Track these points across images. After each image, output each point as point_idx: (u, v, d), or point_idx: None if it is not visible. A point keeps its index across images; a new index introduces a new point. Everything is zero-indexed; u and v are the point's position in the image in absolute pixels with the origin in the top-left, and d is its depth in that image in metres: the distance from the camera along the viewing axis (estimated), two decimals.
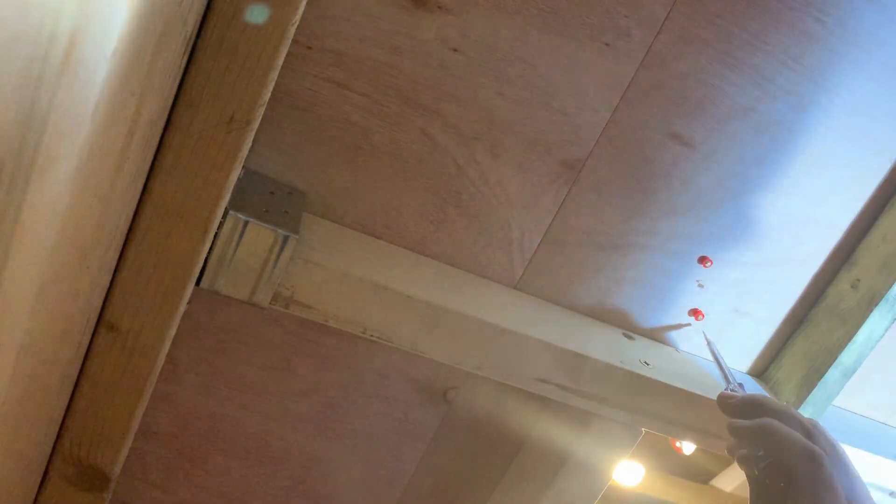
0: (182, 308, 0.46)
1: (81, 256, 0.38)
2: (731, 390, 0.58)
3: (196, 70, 0.39)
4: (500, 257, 0.58)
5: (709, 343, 0.63)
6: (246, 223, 0.46)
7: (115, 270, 0.44)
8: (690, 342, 0.65)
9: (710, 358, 0.64)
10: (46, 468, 0.50)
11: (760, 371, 0.68)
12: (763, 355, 0.68)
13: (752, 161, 0.58)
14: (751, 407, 0.54)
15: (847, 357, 0.62)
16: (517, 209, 0.57)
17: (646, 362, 0.59)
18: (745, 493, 1.01)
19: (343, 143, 0.52)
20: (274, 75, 0.40)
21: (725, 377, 0.60)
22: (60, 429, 0.48)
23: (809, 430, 0.52)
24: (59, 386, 0.45)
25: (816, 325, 0.65)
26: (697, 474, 1.00)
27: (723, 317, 0.64)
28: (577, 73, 0.52)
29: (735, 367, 0.67)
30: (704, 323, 0.64)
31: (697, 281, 0.62)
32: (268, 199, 0.49)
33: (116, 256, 0.43)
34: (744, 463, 0.53)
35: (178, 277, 0.44)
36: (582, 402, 0.58)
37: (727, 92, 0.55)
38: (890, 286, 0.60)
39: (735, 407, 0.55)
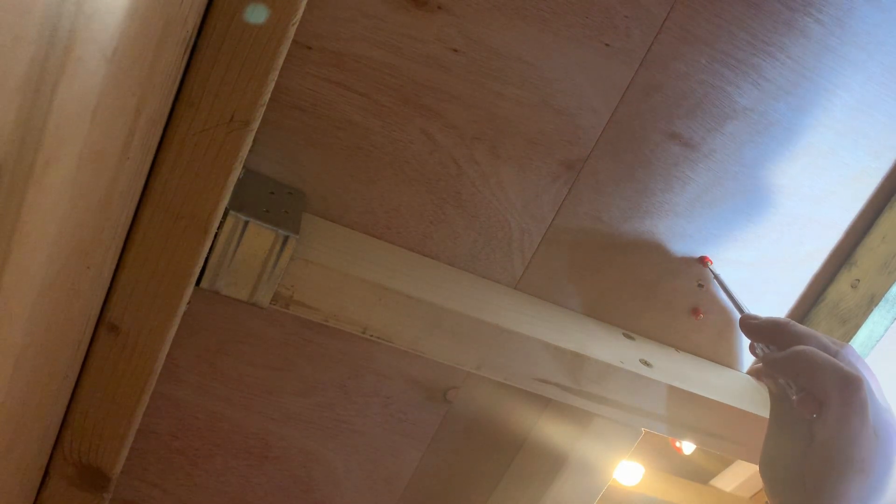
0: (182, 308, 0.46)
1: (81, 257, 0.38)
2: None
3: (196, 70, 0.39)
4: (500, 257, 0.58)
5: (717, 277, 0.62)
6: (246, 223, 0.46)
7: (115, 270, 0.44)
8: (691, 342, 0.65)
9: (722, 294, 0.63)
10: (46, 468, 0.50)
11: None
12: None
13: (752, 161, 0.58)
14: (774, 329, 0.54)
15: None
16: (517, 209, 0.57)
17: (646, 362, 0.59)
18: (745, 493, 1.01)
19: (343, 143, 0.52)
20: (274, 75, 0.40)
21: (738, 308, 0.59)
22: (60, 429, 0.48)
23: (837, 352, 0.51)
24: (59, 386, 0.45)
25: (816, 325, 0.65)
26: (697, 474, 1.00)
27: (723, 317, 0.64)
28: (577, 73, 0.52)
29: (735, 367, 0.67)
30: (704, 322, 0.64)
31: (697, 281, 0.62)
32: (268, 199, 0.49)
33: (116, 257, 0.43)
34: (774, 395, 0.53)
35: (178, 277, 0.44)
36: (582, 402, 0.58)
37: (727, 92, 0.55)
38: (890, 286, 0.60)
39: (758, 328, 0.55)
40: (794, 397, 0.51)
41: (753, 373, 0.54)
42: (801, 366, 0.50)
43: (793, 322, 0.54)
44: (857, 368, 0.50)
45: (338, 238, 0.53)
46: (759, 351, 0.56)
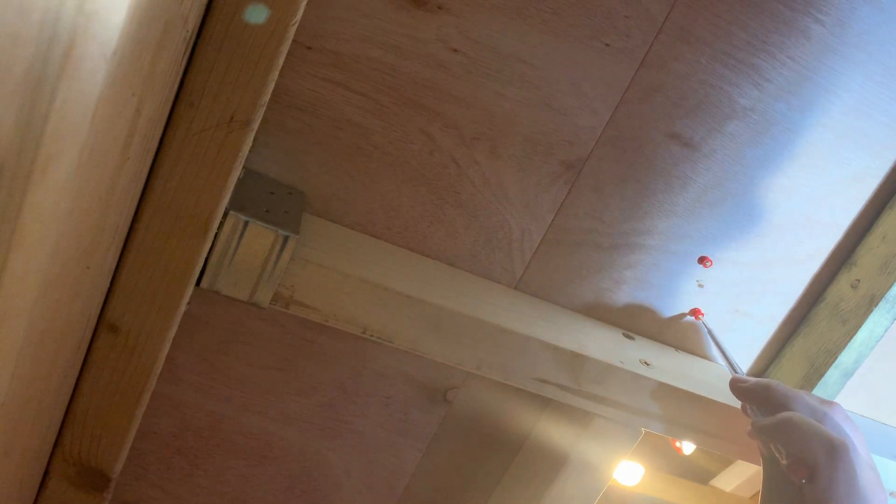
0: (182, 308, 0.46)
1: (82, 257, 0.38)
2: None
3: (196, 70, 0.39)
4: (500, 257, 0.58)
5: (710, 333, 0.63)
6: (246, 223, 0.46)
7: (116, 271, 0.44)
8: (690, 342, 0.65)
9: (715, 350, 0.64)
10: (46, 468, 0.50)
11: (760, 371, 0.68)
12: (763, 355, 0.68)
13: (752, 161, 0.58)
14: (764, 392, 0.55)
15: (847, 357, 0.62)
16: (517, 209, 0.57)
17: (646, 362, 0.59)
18: (745, 493, 1.01)
19: (343, 143, 0.52)
20: (274, 75, 0.40)
21: (731, 367, 0.60)
22: (60, 429, 0.48)
23: (824, 413, 0.52)
24: (59, 386, 0.45)
25: (816, 325, 0.65)
26: (697, 474, 1.00)
27: (723, 317, 0.64)
28: (577, 73, 0.52)
29: None
30: (704, 322, 0.64)
31: (697, 281, 0.62)
32: (268, 199, 0.49)
33: (117, 257, 0.43)
34: (766, 457, 0.55)
35: (178, 277, 0.44)
36: (582, 402, 0.58)
37: (727, 92, 0.55)
38: (890, 286, 0.60)
39: (748, 391, 0.56)
40: (784, 462, 0.52)
41: (748, 434, 0.56)
42: (789, 433, 0.52)
43: (780, 384, 0.56)
44: (842, 431, 0.52)
45: (338, 238, 0.53)
46: (749, 412, 0.57)
